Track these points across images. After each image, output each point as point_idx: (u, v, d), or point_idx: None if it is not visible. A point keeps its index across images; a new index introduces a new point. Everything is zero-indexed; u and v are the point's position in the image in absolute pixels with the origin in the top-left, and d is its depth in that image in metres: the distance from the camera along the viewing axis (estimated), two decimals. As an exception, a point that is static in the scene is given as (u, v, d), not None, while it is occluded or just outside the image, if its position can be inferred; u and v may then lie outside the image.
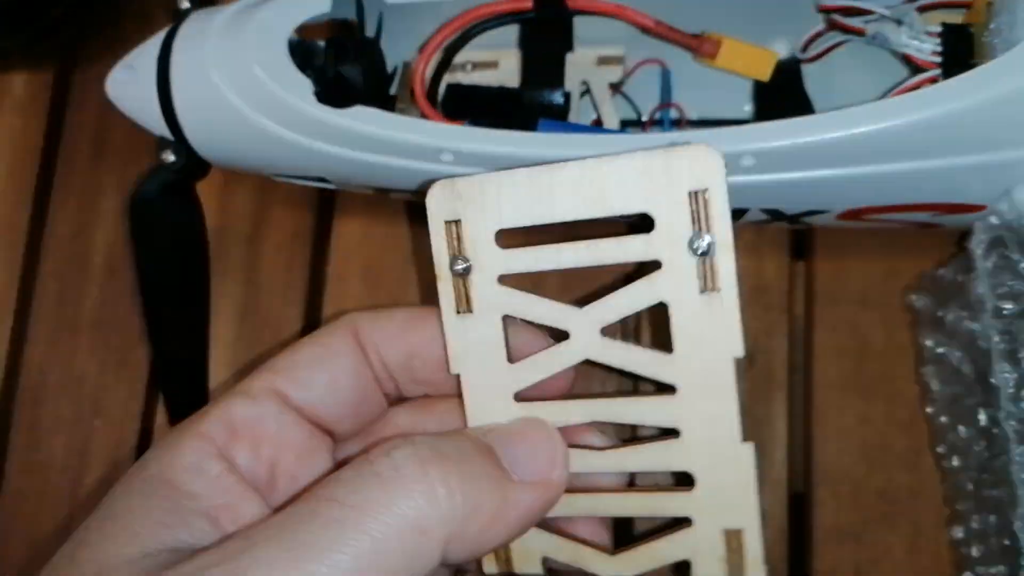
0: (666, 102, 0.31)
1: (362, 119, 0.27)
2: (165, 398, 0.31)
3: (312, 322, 0.37)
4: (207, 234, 0.32)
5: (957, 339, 0.27)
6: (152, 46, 0.30)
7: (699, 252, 0.20)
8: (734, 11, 0.29)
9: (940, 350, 0.29)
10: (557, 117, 0.29)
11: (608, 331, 0.22)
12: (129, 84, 0.30)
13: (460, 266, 0.22)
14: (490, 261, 0.22)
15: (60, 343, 0.38)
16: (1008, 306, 0.25)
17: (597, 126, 0.31)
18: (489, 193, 0.22)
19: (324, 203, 0.38)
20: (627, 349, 0.22)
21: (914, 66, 0.26)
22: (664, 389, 0.22)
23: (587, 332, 0.22)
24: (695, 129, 0.30)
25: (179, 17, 0.31)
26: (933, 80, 0.25)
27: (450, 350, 0.23)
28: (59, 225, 0.39)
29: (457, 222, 0.22)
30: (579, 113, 0.31)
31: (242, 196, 0.38)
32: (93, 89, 0.40)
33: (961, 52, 0.25)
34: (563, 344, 0.22)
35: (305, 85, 0.27)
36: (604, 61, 0.31)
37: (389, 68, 0.31)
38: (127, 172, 0.39)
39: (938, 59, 0.25)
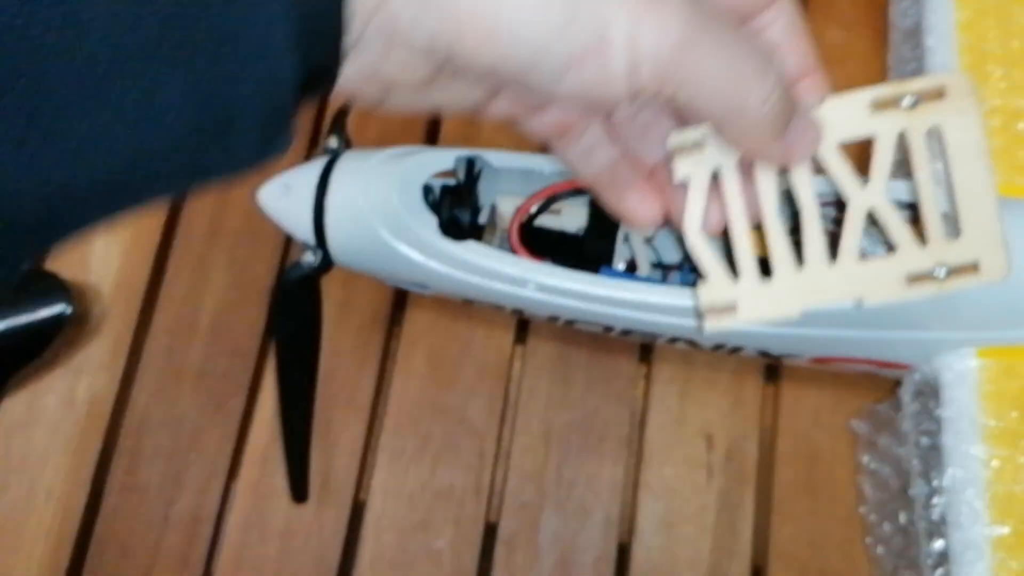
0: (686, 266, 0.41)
1: (473, 251, 0.36)
2: (284, 440, 0.39)
3: (381, 393, 0.45)
4: (322, 315, 0.40)
5: (887, 459, 0.38)
6: (309, 173, 0.38)
7: None
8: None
9: (873, 466, 0.39)
10: (606, 260, 0.38)
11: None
12: (284, 199, 0.39)
13: None
14: None
15: (166, 387, 0.45)
16: (924, 440, 0.35)
17: (632, 266, 0.41)
18: None
19: (398, 295, 0.47)
20: None
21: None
22: None
23: None
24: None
25: (328, 152, 0.40)
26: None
27: None
28: (173, 288, 0.47)
29: None
30: (622, 254, 0.41)
31: (332, 286, 0.46)
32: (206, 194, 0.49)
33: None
34: None
35: (432, 221, 0.37)
36: (642, 220, 0.42)
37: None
38: (237, 251, 0.47)
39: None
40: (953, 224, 0.27)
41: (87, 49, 0.18)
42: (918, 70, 0.42)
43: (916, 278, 0.27)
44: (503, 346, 0.45)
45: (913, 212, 0.30)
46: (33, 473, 0.44)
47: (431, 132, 0.50)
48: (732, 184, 0.28)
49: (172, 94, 0.20)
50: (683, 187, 0.28)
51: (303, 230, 0.39)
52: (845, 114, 0.28)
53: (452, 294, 0.40)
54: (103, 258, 0.47)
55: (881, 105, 0.27)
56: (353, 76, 0.23)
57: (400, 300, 0.47)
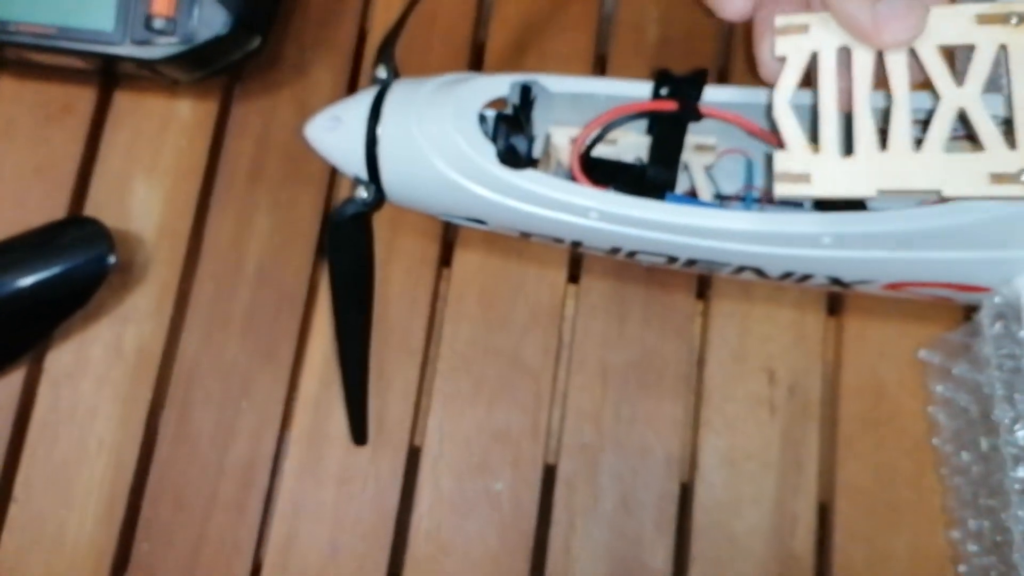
0: (749, 184, 0.40)
1: (533, 180, 0.35)
2: (343, 377, 0.38)
3: (432, 336, 0.44)
4: (374, 252, 0.39)
5: (964, 386, 0.36)
6: (360, 104, 0.37)
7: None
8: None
9: (948, 394, 0.38)
10: (669, 188, 0.37)
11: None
12: (334, 132, 0.37)
13: None
14: None
15: (214, 334, 0.44)
16: (1008, 363, 0.34)
17: (692, 196, 0.40)
18: None
19: (446, 234, 0.45)
20: None
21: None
22: None
23: None
24: (777, 208, 0.39)
25: (377, 82, 0.38)
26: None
27: None
28: (217, 234, 0.46)
29: None
30: (679, 185, 0.40)
31: (378, 227, 0.45)
32: (250, 121, 0.47)
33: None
34: None
35: (490, 150, 0.35)
36: (700, 148, 0.40)
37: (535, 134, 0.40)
38: (279, 195, 0.46)
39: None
40: None
41: None
42: None
43: (1000, 178, 0.27)
44: (556, 285, 0.44)
45: (1006, 125, 0.29)
46: (83, 424, 0.43)
47: (476, 60, 0.48)
48: (829, 64, 0.29)
49: None
50: (782, 62, 0.30)
51: (355, 164, 0.38)
52: (951, 22, 0.28)
53: (510, 227, 0.39)
54: (145, 205, 0.46)
55: (987, 20, 0.28)
56: None
57: (449, 241, 0.45)
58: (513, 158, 0.36)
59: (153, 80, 0.46)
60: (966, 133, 0.29)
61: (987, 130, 0.28)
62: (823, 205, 0.38)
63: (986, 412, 0.35)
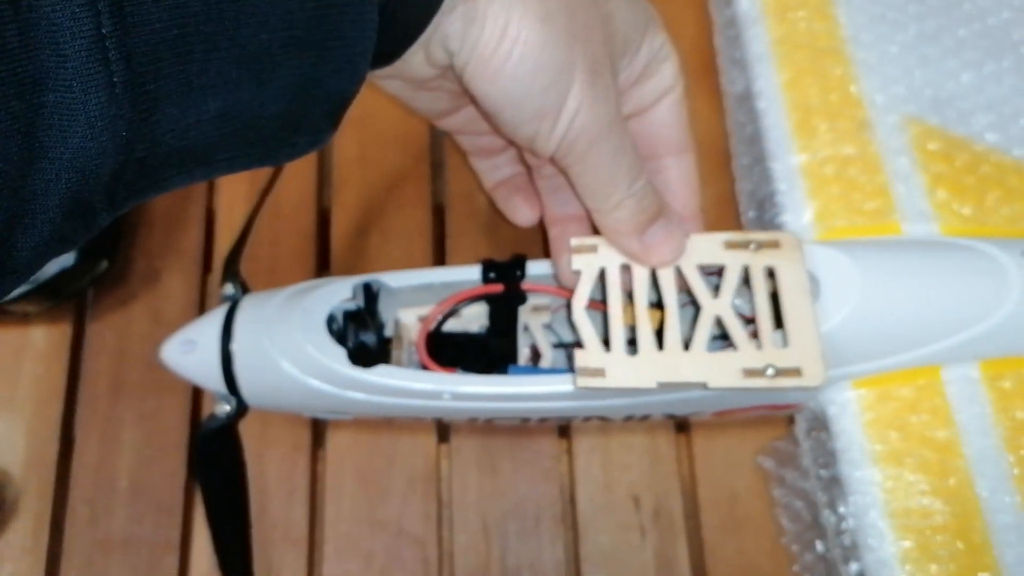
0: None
1: (385, 375, 0.38)
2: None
3: (316, 521, 0.46)
4: (245, 460, 0.40)
5: (796, 493, 0.41)
6: (211, 325, 0.39)
7: None
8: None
9: (785, 500, 0.42)
10: (511, 356, 0.41)
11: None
12: (190, 355, 0.39)
13: None
14: None
15: (94, 560, 0.44)
16: (823, 472, 0.39)
17: (535, 359, 0.43)
18: None
19: (317, 419, 0.47)
20: None
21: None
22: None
23: None
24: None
25: (226, 299, 0.41)
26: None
27: None
28: (85, 456, 0.46)
29: None
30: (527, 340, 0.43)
31: (248, 423, 0.46)
32: (106, 338, 0.48)
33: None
34: None
35: (340, 352, 0.38)
36: (536, 309, 0.44)
37: (383, 321, 0.43)
38: (143, 406, 0.47)
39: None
40: (783, 337, 0.34)
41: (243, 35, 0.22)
42: (755, 132, 0.46)
43: (751, 372, 0.32)
44: (428, 449, 0.47)
45: (752, 324, 0.35)
46: None
47: (322, 244, 0.51)
48: (614, 279, 0.35)
49: (287, 78, 0.24)
50: (577, 275, 0.36)
51: (214, 381, 0.39)
52: (705, 246, 0.34)
53: (371, 416, 0.41)
54: (7, 440, 0.46)
55: (732, 245, 0.36)
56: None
57: (319, 424, 0.47)
58: (364, 354, 0.39)
59: (3, 313, 0.47)
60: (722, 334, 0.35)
61: (738, 334, 0.34)
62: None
63: (816, 516, 0.40)
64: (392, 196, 0.52)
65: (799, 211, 0.43)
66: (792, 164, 0.44)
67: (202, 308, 0.49)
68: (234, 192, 0.52)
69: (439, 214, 0.52)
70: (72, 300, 0.48)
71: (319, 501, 0.46)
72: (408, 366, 0.41)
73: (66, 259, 0.44)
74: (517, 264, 0.40)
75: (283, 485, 0.46)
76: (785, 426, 0.45)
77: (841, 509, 0.38)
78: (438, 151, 0.53)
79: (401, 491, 0.46)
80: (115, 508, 0.45)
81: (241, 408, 0.40)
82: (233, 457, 0.40)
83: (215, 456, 0.39)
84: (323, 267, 0.51)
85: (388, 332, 0.42)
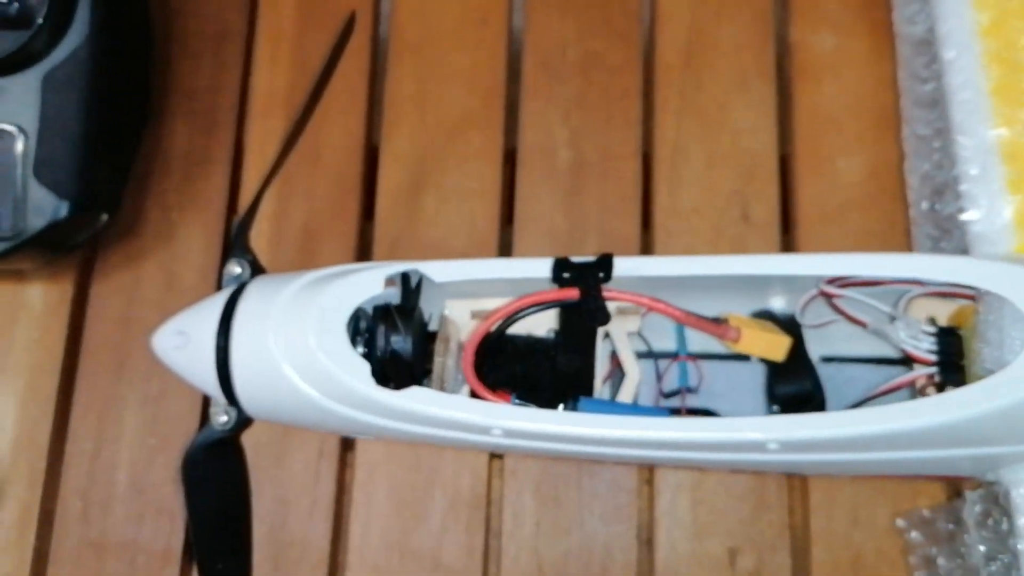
0: (681, 354, 0.34)
1: (417, 399, 0.29)
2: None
3: (338, 542, 0.38)
4: (249, 481, 0.33)
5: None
6: (207, 316, 0.31)
7: None
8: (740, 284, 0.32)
9: (932, 584, 0.32)
10: (584, 380, 0.31)
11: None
12: (182, 350, 0.31)
13: None
14: None
15: (85, 562, 0.38)
16: (993, 569, 0.28)
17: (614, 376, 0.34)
18: None
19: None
20: None
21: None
22: None
23: None
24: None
25: (229, 282, 0.32)
26: (929, 378, 0.29)
27: None
28: (80, 441, 0.40)
29: None
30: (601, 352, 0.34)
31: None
32: (112, 303, 0.41)
33: (953, 352, 0.29)
34: None
35: (363, 368, 0.29)
36: (623, 311, 0.34)
37: (426, 317, 0.34)
38: (148, 387, 0.40)
39: (933, 356, 0.29)
40: None
41: None
42: (939, 93, 0.34)
43: None
44: (477, 467, 0.38)
45: None
46: None
47: (368, 201, 0.42)
48: None
49: None
50: None
51: (208, 385, 0.32)
52: None
53: (402, 440, 0.33)
54: (-6, 416, 0.39)
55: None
56: None
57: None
58: (394, 367, 0.30)
59: (-5, 267, 0.40)
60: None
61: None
62: (775, 397, 0.33)
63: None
64: (453, 145, 0.42)
65: (994, 208, 0.31)
66: (988, 141, 0.32)
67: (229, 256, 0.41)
68: (266, 128, 0.43)
69: (510, 170, 0.42)
70: (74, 255, 0.41)
71: (344, 519, 0.38)
72: (454, 377, 0.32)
73: (57, 210, 0.37)
74: (601, 265, 0.30)
75: (304, 497, 0.38)
76: (940, 490, 0.35)
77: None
78: (513, 90, 0.43)
79: (441, 516, 0.38)
80: (112, 505, 0.39)
81: (243, 420, 0.32)
82: (233, 478, 0.32)
83: (207, 478, 0.32)
84: (366, 231, 0.42)
85: (433, 326, 0.34)
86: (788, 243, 0.40)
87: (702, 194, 0.40)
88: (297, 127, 0.35)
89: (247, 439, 0.34)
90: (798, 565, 0.37)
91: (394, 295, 0.32)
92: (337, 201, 0.42)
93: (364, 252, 0.41)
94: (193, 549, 0.31)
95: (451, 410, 0.29)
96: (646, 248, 0.40)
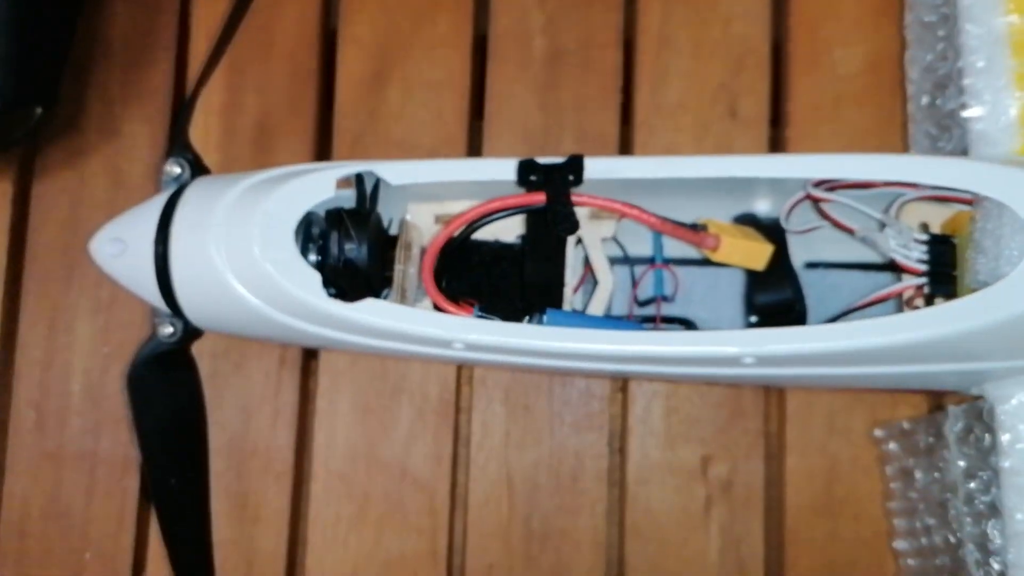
0: (657, 261, 0.32)
1: (372, 312, 0.27)
2: (172, 562, 0.31)
3: (303, 452, 0.37)
4: (203, 393, 0.31)
5: (922, 493, 0.30)
6: (144, 221, 0.29)
7: None
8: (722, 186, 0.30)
9: (903, 495, 0.32)
10: (553, 297, 0.29)
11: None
12: (120, 257, 0.29)
13: None
14: None
15: (43, 472, 0.37)
16: (973, 484, 0.28)
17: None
18: None
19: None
20: None
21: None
22: None
23: None
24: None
25: (168, 183, 0.30)
26: (918, 289, 0.27)
27: None
28: (30, 351, 0.38)
29: None
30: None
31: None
32: (56, 203, 0.39)
33: (944, 262, 0.27)
34: None
35: (314, 278, 0.27)
36: (596, 215, 0.32)
37: (385, 222, 0.32)
38: (100, 292, 0.38)
39: (923, 266, 0.27)
40: None
41: None
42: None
43: None
44: (445, 375, 0.37)
45: None
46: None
47: (326, 93, 0.39)
48: None
49: None
50: None
51: (150, 295, 0.30)
52: None
53: (360, 351, 0.31)
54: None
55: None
56: None
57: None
58: (348, 278, 0.28)
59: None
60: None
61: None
62: (754, 307, 0.31)
63: (947, 527, 0.29)
64: (419, 31, 0.39)
65: (998, 104, 0.29)
66: (997, 29, 0.29)
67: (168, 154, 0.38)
68: (214, 10, 0.39)
69: (480, 58, 0.39)
70: (12, 152, 0.38)
71: (309, 428, 0.37)
72: (416, 286, 0.30)
73: (-16, 104, 0.34)
74: (570, 167, 0.28)
75: (266, 405, 0.37)
76: (921, 401, 0.34)
77: (995, 533, 0.27)
78: (485, -32, 0.39)
79: (408, 424, 0.37)
80: (67, 416, 0.37)
81: (190, 331, 0.30)
82: (183, 391, 0.31)
83: (155, 392, 0.30)
84: (324, 125, 0.39)
85: (394, 230, 0.31)
86: (777, 142, 0.38)
87: (687, 88, 0.37)
88: (240, 5, 0.31)
89: (203, 347, 0.32)
90: (771, 473, 0.36)
91: (349, 198, 0.30)
92: (293, 93, 0.39)
93: (323, 149, 0.39)
94: (143, 465, 0.30)
95: (409, 323, 0.27)
96: (625, 146, 0.38)
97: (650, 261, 0.33)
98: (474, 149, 0.38)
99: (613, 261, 0.32)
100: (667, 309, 0.32)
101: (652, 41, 0.38)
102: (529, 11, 0.39)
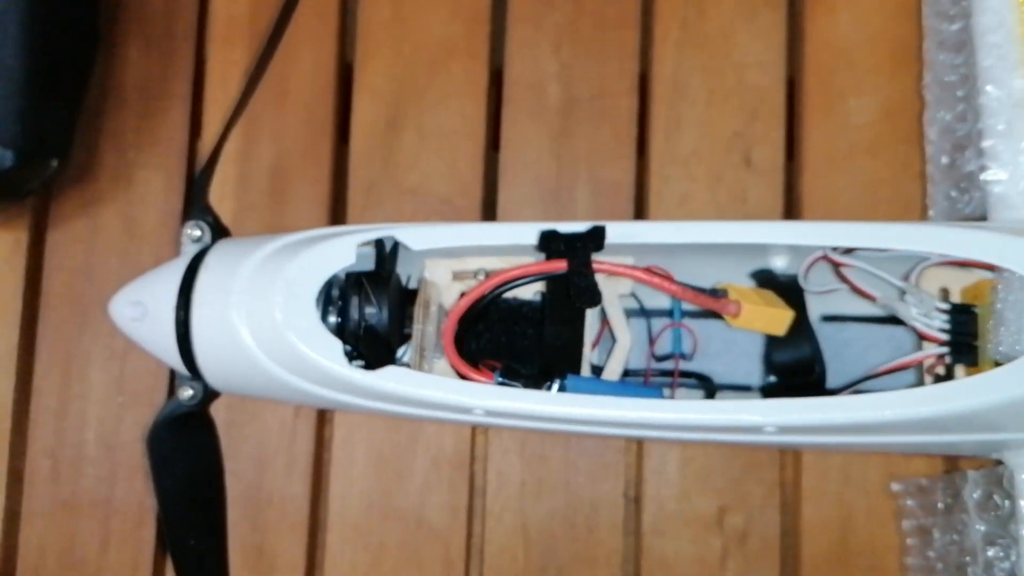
0: (675, 318, 0.32)
1: (393, 379, 0.27)
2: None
3: (319, 502, 0.37)
4: (221, 454, 0.31)
5: (940, 552, 0.30)
6: (165, 286, 0.29)
7: None
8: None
9: (920, 552, 0.32)
10: (572, 363, 0.29)
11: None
12: (140, 322, 0.29)
13: None
14: None
15: (58, 522, 0.37)
16: (992, 553, 0.28)
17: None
18: None
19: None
20: None
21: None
22: None
23: None
24: (721, 398, 0.31)
25: (191, 247, 0.30)
26: (940, 358, 0.27)
27: None
28: (45, 400, 0.38)
29: None
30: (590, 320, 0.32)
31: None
32: (71, 251, 0.39)
33: (966, 332, 0.27)
34: None
35: (335, 346, 0.27)
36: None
37: (404, 278, 0.32)
38: (115, 340, 0.38)
39: (945, 335, 0.27)
40: None
41: None
42: (965, 33, 0.31)
43: None
44: (460, 425, 0.37)
45: None
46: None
47: (341, 138, 0.39)
48: None
49: None
50: None
51: (170, 358, 0.30)
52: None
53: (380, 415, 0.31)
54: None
55: None
56: None
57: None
58: (369, 343, 0.28)
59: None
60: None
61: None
62: (773, 365, 0.31)
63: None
64: (434, 79, 0.39)
65: (1019, 168, 0.29)
66: (1018, 91, 0.29)
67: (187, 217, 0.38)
68: (228, 58, 0.39)
69: (495, 105, 0.39)
70: (27, 201, 0.38)
71: (324, 478, 0.37)
72: (435, 344, 0.30)
73: (1, 159, 0.34)
74: (592, 236, 0.28)
75: (282, 454, 0.37)
76: (937, 462, 0.34)
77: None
78: (499, 14, 0.39)
79: (423, 474, 0.37)
80: (82, 464, 0.37)
81: (209, 393, 0.30)
82: (202, 452, 0.31)
83: (175, 453, 0.30)
84: (339, 172, 0.39)
85: (412, 284, 0.31)
86: (792, 190, 0.38)
87: (702, 136, 0.38)
88: (261, 61, 0.31)
89: (219, 397, 0.32)
90: (787, 524, 0.36)
91: (368, 256, 0.30)
92: (308, 141, 0.39)
93: (338, 197, 0.39)
94: (163, 526, 0.30)
95: (430, 391, 0.27)
96: (640, 196, 0.38)
97: (668, 313, 0.33)
98: (488, 197, 0.38)
99: (630, 313, 0.32)
100: (685, 365, 0.32)
101: (666, 89, 0.38)
102: (543, 58, 0.39)
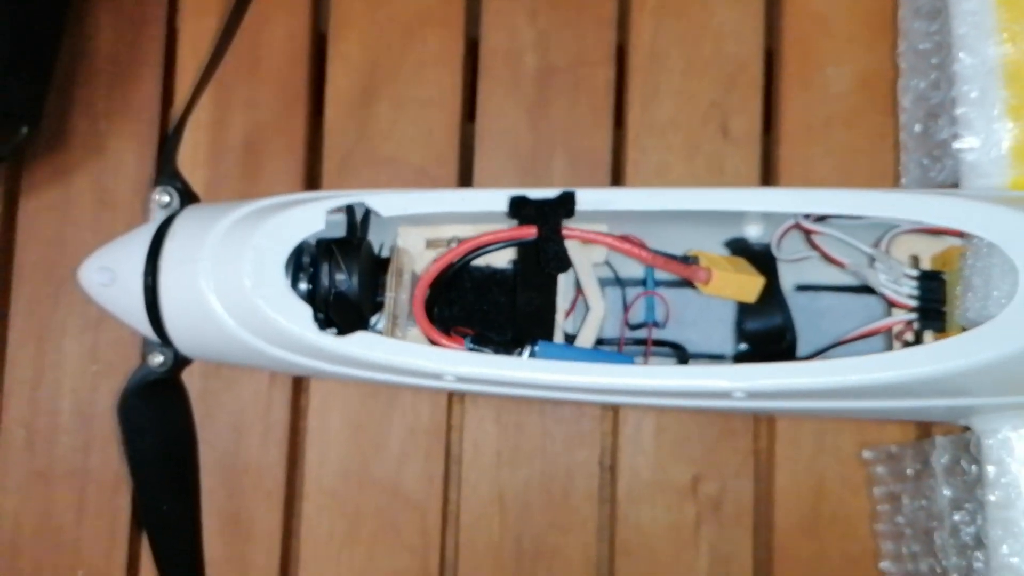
0: (649, 290, 0.32)
1: (365, 346, 0.27)
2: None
3: (295, 470, 0.37)
4: (194, 420, 0.31)
5: (909, 517, 0.30)
6: (134, 252, 0.29)
7: None
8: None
9: (890, 518, 0.32)
10: (544, 328, 0.29)
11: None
12: (109, 288, 0.29)
13: None
14: None
15: (34, 491, 0.37)
16: (958, 517, 0.28)
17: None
18: None
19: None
20: None
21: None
22: None
23: None
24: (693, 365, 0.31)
25: (159, 213, 0.29)
26: (908, 324, 0.28)
27: None
28: (19, 370, 0.38)
29: None
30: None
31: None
32: (43, 221, 0.38)
33: (934, 299, 0.27)
34: None
35: (304, 312, 0.27)
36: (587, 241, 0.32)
37: (376, 245, 0.31)
38: (87, 311, 0.38)
39: (913, 302, 0.27)
40: None
41: None
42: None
43: None
44: (436, 394, 0.37)
45: None
46: None
47: (316, 110, 0.39)
48: None
49: None
50: None
51: (139, 324, 0.29)
52: None
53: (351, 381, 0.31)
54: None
55: None
56: None
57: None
58: (339, 310, 0.28)
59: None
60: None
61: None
62: (744, 333, 0.31)
63: (932, 552, 0.29)
64: (409, 48, 0.38)
65: (991, 136, 0.29)
66: (991, 59, 0.29)
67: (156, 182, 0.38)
68: (200, 26, 0.39)
69: (471, 75, 0.39)
70: (-3, 168, 0.38)
71: (300, 446, 0.37)
72: (407, 312, 0.30)
73: (-32, 125, 0.33)
74: (562, 202, 0.28)
75: (258, 423, 0.37)
76: (907, 425, 0.34)
77: (979, 565, 0.27)
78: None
79: (400, 443, 0.37)
80: (57, 434, 0.37)
81: (180, 360, 0.30)
82: (173, 421, 0.31)
83: (146, 420, 0.30)
84: (313, 142, 0.39)
85: (385, 252, 0.31)
86: (768, 160, 0.38)
87: (679, 106, 0.37)
88: (228, 28, 0.31)
89: (193, 365, 0.32)
90: (761, 491, 0.36)
91: (340, 223, 0.29)
92: (281, 111, 0.39)
93: (312, 167, 0.38)
94: (134, 491, 0.30)
95: (400, 357, 0.27)
96: (617, 164, 0.38)
97: (641, 283, 0.33)
98: (465, 166, 0.38)
99: (604, 283, 0.32)
100: (658, 333, 0.32)
101: (643, 59, 0.38)
102: (520, 28, 0.38)
